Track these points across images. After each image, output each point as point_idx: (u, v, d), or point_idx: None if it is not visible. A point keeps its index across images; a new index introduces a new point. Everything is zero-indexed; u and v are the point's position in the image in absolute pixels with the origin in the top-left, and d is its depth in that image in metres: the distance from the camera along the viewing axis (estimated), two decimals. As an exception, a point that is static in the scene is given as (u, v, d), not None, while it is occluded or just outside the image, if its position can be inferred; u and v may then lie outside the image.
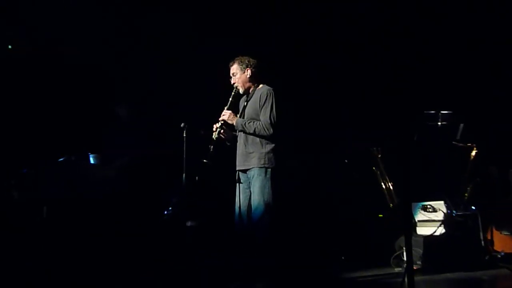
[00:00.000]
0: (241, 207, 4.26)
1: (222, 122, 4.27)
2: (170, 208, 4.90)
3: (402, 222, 4.43)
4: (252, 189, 4.20)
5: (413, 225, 4.78)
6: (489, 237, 4.81)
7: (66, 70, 5.56)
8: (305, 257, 4.93)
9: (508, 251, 4.74)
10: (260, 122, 4.19)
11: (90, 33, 5.46)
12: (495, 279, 4.34)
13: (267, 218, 4.08)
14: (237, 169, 4.33)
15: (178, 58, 5.60)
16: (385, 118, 4.57)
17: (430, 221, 4.77)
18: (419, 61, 5.14)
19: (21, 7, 5.30)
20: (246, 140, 4.26)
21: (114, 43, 5.60)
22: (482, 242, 4.75)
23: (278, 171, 4.18)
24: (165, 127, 5.28)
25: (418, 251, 4.53)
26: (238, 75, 4.34)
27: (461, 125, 4.94)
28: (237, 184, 4.31)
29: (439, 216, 4.78)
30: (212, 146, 4.19)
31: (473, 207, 4.84)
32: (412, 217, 4.77)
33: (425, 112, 4.93)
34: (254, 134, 4.20)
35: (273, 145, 4.20)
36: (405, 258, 4.30)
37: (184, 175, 4.38)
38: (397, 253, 4.68)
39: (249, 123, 4.22)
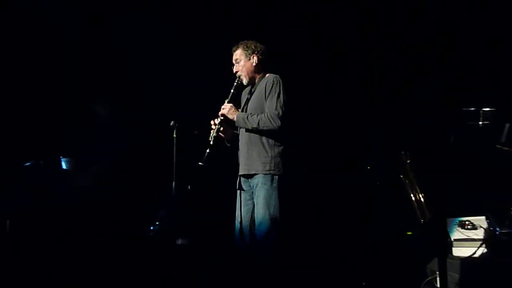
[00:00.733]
0: (243, 222, 4.29)
1: (222, 117, 4.31)
2: (157, 223, 4.99)
3: (435, 241, 4.43)
4: (255, 200, 4.22)
5: (449, 245, 4.76)
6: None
7: (38, 61, 5.66)
8: (319, 282, 4.98)
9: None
10: (265, 114, 4.20)
11: (61, 21, 5.64)
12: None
13: (273, 236, 4.11)
14: (239, 173, 4.36)
15: (165, 46, 5.77)
16: (415, 116, 4.61)
17: (468, 240, 4.75)
18: (457, 49, 5.19)
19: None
20: (249, 139, 4.29)
21: (89, 31, 5.77)
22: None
23: (287, 178, 4.23)
24: (151, 127, 5.42)
25: (454, 276, 4.49)
26: (242, 62, 4.40)
27: (507, 125, 4.93)
28: (238, 192, 4.35)
29: (480, 234, 4.75)
30: (209, 147, 4.22)
31: (521, 224, 4.73)
32: (447, 235, 4.74)
33: (464, 109, 4.96)
34: (258, 129, 4.21)
35: (282, 147, 4.23)
36: (438, 285, 4.33)
37: (174, 183, 4.44)
38: (429, 278, 4.66)
39: (252, 115, 4.24)
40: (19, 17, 5.59)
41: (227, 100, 4.35)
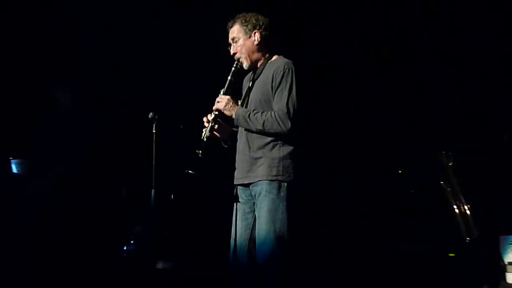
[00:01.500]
0: (240, 240, 4.26)
1: (217, 113, 4.25)
2: (132, 242, 5.02)
3: (484, 265, 4.40)
4: (257, 213, 4.18)
5: (501, 269, 4.79)
6: None
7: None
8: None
9: None
10: (272, 113, 4.15)
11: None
12: None
13: (279, 258, 4.07)
14: (235, 182, 4.32)
15: (142, 18, 5.97)
16: (462, 110, 4.61)
17: (526, 264, 4.89)
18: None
19: None
20: (251, 139, 4.25)
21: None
22: None
23: (298, 186, 4.18)
24: (125, 120, 5.37)
25: (507, 308, 4.73)
26: (241, 41, 4.34)
27: None
28: (235, 204, 4.31)
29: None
30: (201, 150, 4.18)
31: None
32: (499, 257, 4.80)
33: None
34: (262, 131, 4.17)
35: (292, 147, 4.18)
36: (488, 319, 4.48)
37: (153, 191, 4.43)
38: (477, 310, 4.85)
39: (255, 114, 4.19)
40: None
41: (223, 90, 4.30)
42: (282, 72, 4.19)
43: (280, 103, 4.16)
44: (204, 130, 4.25)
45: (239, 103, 4.34)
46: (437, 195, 5.17)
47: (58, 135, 5.38)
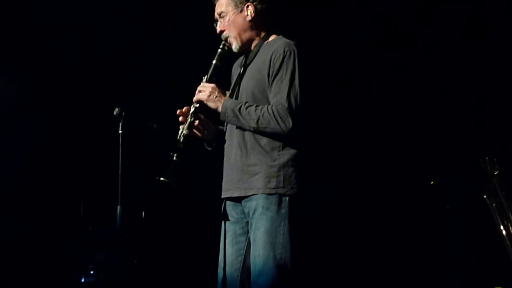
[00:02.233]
0: (231, 271, 4.23)
1: (198, 105, 4.23)
2: (91, 273, 4.96)
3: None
4: (252, 235, 4.13)
5: None
6: None
7: None
8: None
9: None
10: (270, 107, 4.11)
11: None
12: None
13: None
14: (223, 195, 4.29)
15: None
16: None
17: None
18: None
19: None
20: (244, 141, 4.20)
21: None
22: None
23: (304, 201, 4.15)
24: (82, 116, 5.33)
25: None
26: (230, 16, 4.31)
27: None
28: (223, 224, 4.29)
29: None
30: (177, 152, 4.16)
31: None
32: None
33: None
34: (256, 129, 4.13)
35: (294, 152, 4.14)
36: None
37: (118, 207, 4.43)
38: None
39: (247, 107, 4.14)
40: None
41: (206, 77, 4.26)
42: (281, 56, 4.14)
43: (279, 95, 4.10)
44: (181, 127, 4.21)
45: (227, 94, 4.29)
46: (480, 212, 5.18)
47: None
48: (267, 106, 4.10)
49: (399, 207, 5.83)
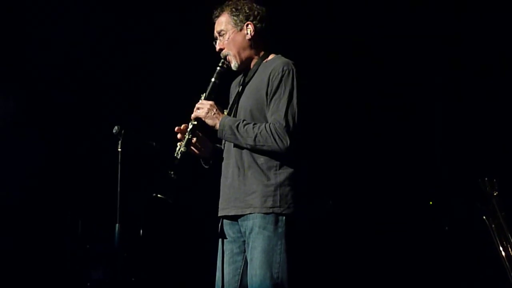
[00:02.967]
0: None
1: (196, 122, 4.22)
2: None
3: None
4: (249, 254, 4.13)
5: None
6: None
7: None
8: None
9: None
10: (267, 125, 4.11)
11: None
12: None
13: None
14: (220, 214, 4.27)
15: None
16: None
17: None
18: None
19: None
20: (241, 160, 4.20)
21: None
22: None
23: (301, 220, 4.14)
24: (81, 134, 5.34)
25: None
26: (230, 34, 4.32)
27: None
28: (220, 242, 4.28)
29: None
30: (174, 170, 4.14)
31: None
32: None
33: None
34: (253, 147, 4.12)
35: (292, 170, 4.13)
36: None
37: (117, 225, 4.42)
38: None
39: (245, 125, 4.14)
40: None
41: (204, 95, 4.26)
42: (280, 75, 4.14)
43: (277, 113, 4.11)
44: (178, 144, 4.20)
45: (226, 112, 4.30)
46: (479, 233, 5.15)
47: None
48: (265, 124, 4.10)
49: (398, 227, 5.80)
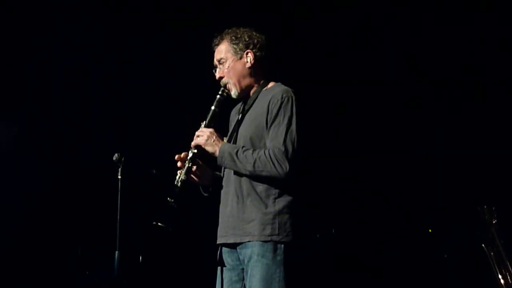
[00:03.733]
0: None
1: (195, 150, 4.23)
2: None
3: None
4: (248, 282, 4.11)
5: None
6: None
7: None
8: None
9: None
10: (267, 151, 4.12)
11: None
12: None
13: None
14: (219, 241, 4.27)
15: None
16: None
17: None
18: None
19: None
20: (240, 187, 4.20)
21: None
22: None
23: (300, 248, 4.14)
24: (81, 162, 5.33)
25: None
26: (229, 62, 4.33)
27: None
28: (219, 270, 4.26)
29: None
30: (174, 198, 4.13)
31: None
32: None
33: None
34: (252, 173, 4.12)
35: (290, 198, 4.13)
36: None
37: (117, 252, 4.42)
38: None
39: (244, 151, 4.15)
40: None
41: (204, 122, 4.28)
42: (279, 102, 4.16)
43: (276, 139, 4.12)
44: (178, 172, 4.21)
45: (225, 140, 4.30)
46: (478, 260, 5.12)
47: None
48: (264, 150, 4.10)
49: (398, 255, 5.78)
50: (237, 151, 4.14)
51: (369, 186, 6.03)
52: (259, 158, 4.09)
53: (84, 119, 6.14)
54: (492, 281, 5.02)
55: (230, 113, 4.49)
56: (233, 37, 4.31)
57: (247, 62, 4.30)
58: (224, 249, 4.24)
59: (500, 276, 5.03)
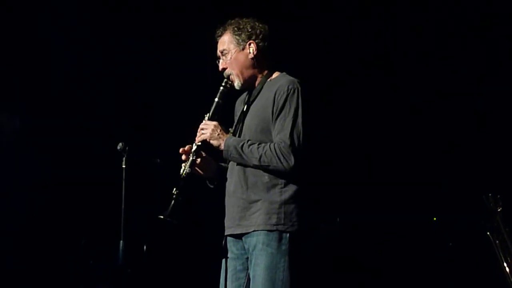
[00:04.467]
0: None
1: (200, 143, 4.23)
2: None
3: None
4: (252, 271, 4.13)
5: None
6: None
7: None
8: None
9: None
10: (272, 145, 4.12)
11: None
12: None
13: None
14: (226, 233, 4.28)
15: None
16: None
17: None
18: None
19: None
20: (244, 178, 4.21)
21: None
22: None
23: (305, 238, 4.14)
24: (85, 151, 5.35)
25: None
26: (232, 53, 4.33)
27: None
28: (223, 260, 4.28)
29: None
30: (178, 191, 4.14)
31: None
32: None
33: None
34: (258, 167, 4.14)
35: (296, 188, 4.14)
36: None
37: (121, 242, 4.50)
38: None
39: (250, 145, 4.16)
40: None
41: (208, 115, 4.28)
42: (285, 94, 4.15)
43: (282, 132, 4.11)
44: (183, 165, 4.21)
45: (230, 132, 4.31)
46: (483, 248, 5.15)
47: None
48: (270, 144, 4.09)
49: (402, 243, 5.78)
50: (242, 145, 4.15)
51: (374, 175, 6.02)
52: (265, 153, 4.09)
53: (88, 109, 6.19)
54: (497, 269, 5.03)
55: (234, 104, 4.49)
56: (235, 28, 4.31)
57: (249, 52, 4.30)
58: (229, 238, 4.26)
59: (505, 264, 5.04)
